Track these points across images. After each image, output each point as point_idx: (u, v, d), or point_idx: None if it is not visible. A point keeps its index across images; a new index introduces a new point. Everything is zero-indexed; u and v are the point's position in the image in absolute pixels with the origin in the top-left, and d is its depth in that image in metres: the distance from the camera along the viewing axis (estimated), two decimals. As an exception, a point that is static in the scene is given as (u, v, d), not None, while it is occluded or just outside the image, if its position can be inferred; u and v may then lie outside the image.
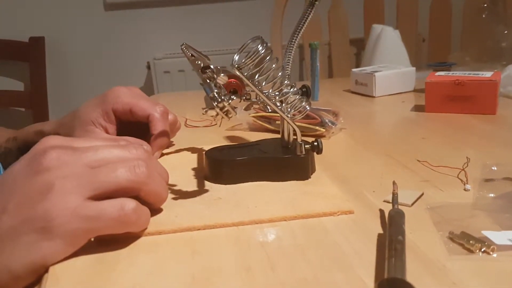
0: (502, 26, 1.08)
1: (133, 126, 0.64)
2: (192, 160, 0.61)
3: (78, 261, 0.38)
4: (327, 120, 0.69)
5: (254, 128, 0.76)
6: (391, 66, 1.03)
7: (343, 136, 0.71)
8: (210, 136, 0.76)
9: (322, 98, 0.99)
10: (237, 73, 0.42)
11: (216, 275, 0.35)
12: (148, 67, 1.89)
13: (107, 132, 0.63)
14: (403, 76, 0.99)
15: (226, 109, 0.44)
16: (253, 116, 0.74)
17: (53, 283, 0.35)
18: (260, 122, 0.74)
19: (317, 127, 0.68)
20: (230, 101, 0.44)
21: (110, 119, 0.62)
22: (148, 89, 1.93)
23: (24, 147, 0.71)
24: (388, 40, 1.13)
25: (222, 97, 0.44)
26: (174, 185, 0.52)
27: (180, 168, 0.58)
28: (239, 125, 0.78)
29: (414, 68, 1.01)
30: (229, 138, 0.74)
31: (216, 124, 0.82)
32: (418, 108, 0.85)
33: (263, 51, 0.43)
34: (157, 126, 0.60)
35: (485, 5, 1.11)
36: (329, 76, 1.73)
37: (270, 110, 0.60)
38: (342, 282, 0.34)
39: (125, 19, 1.90)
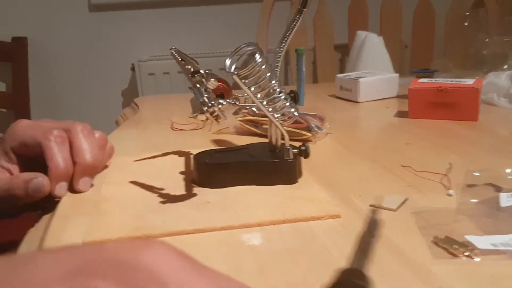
0: (484, 34, 1.10)
1: (42, 162, 0.54)
2: (179, 163, 0.62)
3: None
4: (313, 125, 0.70)
5: (241, 132, 0.76)
6: (375, 72, 1.05)
7: (328, 141, 0.72)
8: (197, 139, 0.77)
9: (308, 103, 1.00)
10: (236, 79, 0.43)
11: (206, 279, 0.36)
12: (133, 69, 1.89)
13: (10, 173, 0.55)
14: (387, 82, 1.01)
15: (216, 113, 0.44)
16: (240, 120, 0.75)
17: None
18: (247, 126, 0.75)
19: (303, 132, 0.69)
20: (220, 106, 0.45)
21: (11, 159, 0.55)
22: (133, 91, 1.92)
23: None
24: (372, 46, 1.14)
25: (212, 102, 0.44)
26: (162, 189, 0.53)
27: (168, 171, 0.59)
28: (226, 128, 0.78)
29: (397, 75, 1.02)
30: (216, 141, 0.74)
31: (202, 127, 0.83)
32: (401, 114, 0.87)
33: (260, 60, 0.44)
34: (50, 155, 0.51)
35: (468, 14, 1.13)
36: (313, 81, 1.74)
37: (258, 114, 0.60)
38: (330, 286, 0.34)
39: (110, 21, 1.89)
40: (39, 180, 0.50)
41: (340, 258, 0.38)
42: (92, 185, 0.54)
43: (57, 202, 0.52)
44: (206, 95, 0.44)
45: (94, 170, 0.55)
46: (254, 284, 0.35)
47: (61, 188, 0.51)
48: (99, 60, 1.90)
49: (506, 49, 1.05)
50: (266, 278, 0.36)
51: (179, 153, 0.66)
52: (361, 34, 1.18)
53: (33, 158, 0.54)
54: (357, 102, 0.99)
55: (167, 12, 1.89)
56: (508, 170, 0.51)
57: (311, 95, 1.06)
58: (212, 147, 0.71)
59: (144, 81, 1.84)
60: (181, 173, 0.58)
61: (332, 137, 0.74)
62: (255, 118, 0.72)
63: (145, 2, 1.87)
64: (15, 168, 0.55)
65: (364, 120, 0.91)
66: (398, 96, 1.02)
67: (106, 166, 0.60)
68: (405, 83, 1.04)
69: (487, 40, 1.05)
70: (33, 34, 1.85)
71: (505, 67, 1.03)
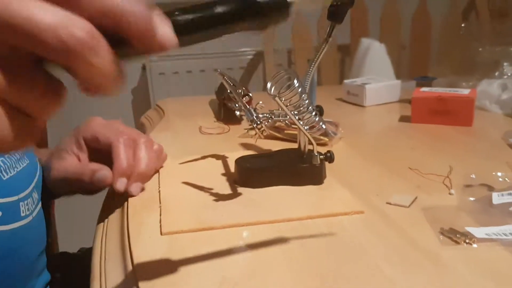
0: (477, 43, 1.21)
1: (106, 157, 0.64)
2: (218, 166, 0.72)
3: (157, 254, 0.48)
4: (330, 131, 0.80)
5: (264, 136, 0.86)
6: (378, 78, 1.15)
7: (342, 145, 0.82)
8: (225, 143, 0.86)
9: (318, 106, 1.10)
10: (278, 101, 0.53)
11: (267, 263, 0.46)
12: (144, 68, 1.97)
13: (79, 159, 0.65)
14: (390, 88, 1.11)
15: (263, 129, 0.54)
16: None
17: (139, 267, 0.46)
18: (270, 131, 0.85)
19: (322, 137, 0.79)
20: (266, 123, 0.55)
21: (81, 147, 0.65)
22: (143, 90, 2.01)
23: None
24: (375, 53, 1.24)
25: (261, 120, 0.54)
26: (211, 189, 0.63)
27: (210, 173, 0.69)
28: (250, 132, 0.88)
29: (399, 81, 1.13)
30: (243, 145, 0.84)
31: (227, 131, 0.93)
32: (404, 119, 0.97)
33: (297, 85, 0.54)
34: (117, 154, 0.61)
35: (463, 25, 1.24)
36: (317, 81, 1.84)
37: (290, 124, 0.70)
38: (363, 267, 0.45)
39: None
40: (104, 172, 0.60)
41: (367, 246, 0.49)
42: (143, 189, 0.64)
43: (120, 200, 0.62)
44: (255, 115, 0.54)
45: (146, 178, 0.65)
46: (302, 266, 0.45)
47: (121, 183, 0.61)
48: (111, 60, 1.98)
49: (497, 57, 1.16)
50: (311, 261, 0.46)
51: (216, 156, 0.76)
52: (365, 41, 1.28)
53: (98, 152, 0.65)
54: (363, 106, 1.09)
55: (176, 14, 1.97)
56: (499, 174, 0.62)
57: (321, 99, 1.15)
58: (240, 150, 0.81)
59: (155, 80, 1.92)
60: (223, 174, 0.68)
61: (345, 141, 0.84)
62: (279, 125, 0.82)
63: (155, 2, 1.95)
64: (83, 156, 0.66)
65: (371, 124, 1.01)
66: (399, 101, 1.12)
67: (158, 170, 0.70)
68: (404, 87, 1.15)
69: (480, 49, 1.15)
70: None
71: (497, 74, 1.13)
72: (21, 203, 0.60)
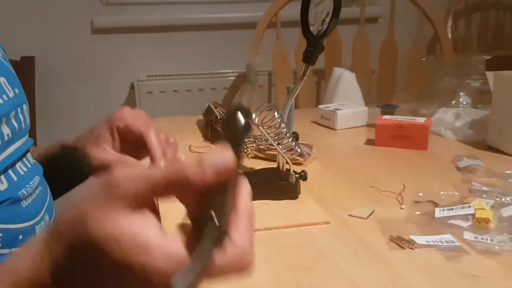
0: (438, 73, 1.35)
1: (132, 147, 0.70)
2: (208, 182, 0.83)
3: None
4: (305, 152, 0.92)
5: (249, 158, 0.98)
6: (349, 104, 1.28)
7: (315, 164, 0.95)
8: (212, 161, 0.98)
9: (295, 129, 1.22)
10: (262, 130, 0.65)
11: (251, 261, 0.58)
12: (132, 88, 2.08)
13: (113, 147, 0.69)
14: (358, 114, 1.24)
15: (248, 152, 0.66)
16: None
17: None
18: (254, 153, 0.96)
19: (297, 158, 0.92)
20: (252, 147, 0.66)
21: (114, 136, 0.69)
22: (132, 107, 2.11)
23: (52, 158, 0.77)
24: (347, 81, 1.38)
25: (247, 145, 0.66)
26: (203, 202, 0.74)
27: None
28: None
29: (367, 108, 1.26)
30: (229, 163, 0.95)
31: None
32: (369, 142, 1.10)
33: (277, 116, 0.66)
34: (151, 142, 0.67)
35: (423, 59, 1.39)
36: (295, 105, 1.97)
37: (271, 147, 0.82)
38: (327, 266, 0.57)
39: (111, 43, 2.07)
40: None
41: (331, 249, 0.61)
42: None
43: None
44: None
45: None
46: (278, 263, 0.57)
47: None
48: (101, 79, 2.08)
49: (455, 88, 1.31)
50: (286, 261, 0.58)
51: (205, 174, 0.87)
52: (337, 70, 1.41)
53: (125, 142, 0.70)
54: (334, 129, 1.22)
55: (164, 36, 2.09)
56: (442, 192, 0.75)
57: (298, 122, 1.28)
58: (226, 168, 0.92)
59: (142, 98, 2.03)
60: (212, 190, 0.79)
61: (318, 161, 0.96)
62: (260, 147, 0.94)
63: (144, 27, 2.07)
64: (116, 145, 0.69)
65: (341, 146, 1.14)
66: (367, 125, 1.25)
67: None
68: (371, 112, 1.28)
69: (440, 80, 1.30)
70: (40, 54, 2.02)
71: (453, 102, 1.28)
72: (36, 227, 0.69)
